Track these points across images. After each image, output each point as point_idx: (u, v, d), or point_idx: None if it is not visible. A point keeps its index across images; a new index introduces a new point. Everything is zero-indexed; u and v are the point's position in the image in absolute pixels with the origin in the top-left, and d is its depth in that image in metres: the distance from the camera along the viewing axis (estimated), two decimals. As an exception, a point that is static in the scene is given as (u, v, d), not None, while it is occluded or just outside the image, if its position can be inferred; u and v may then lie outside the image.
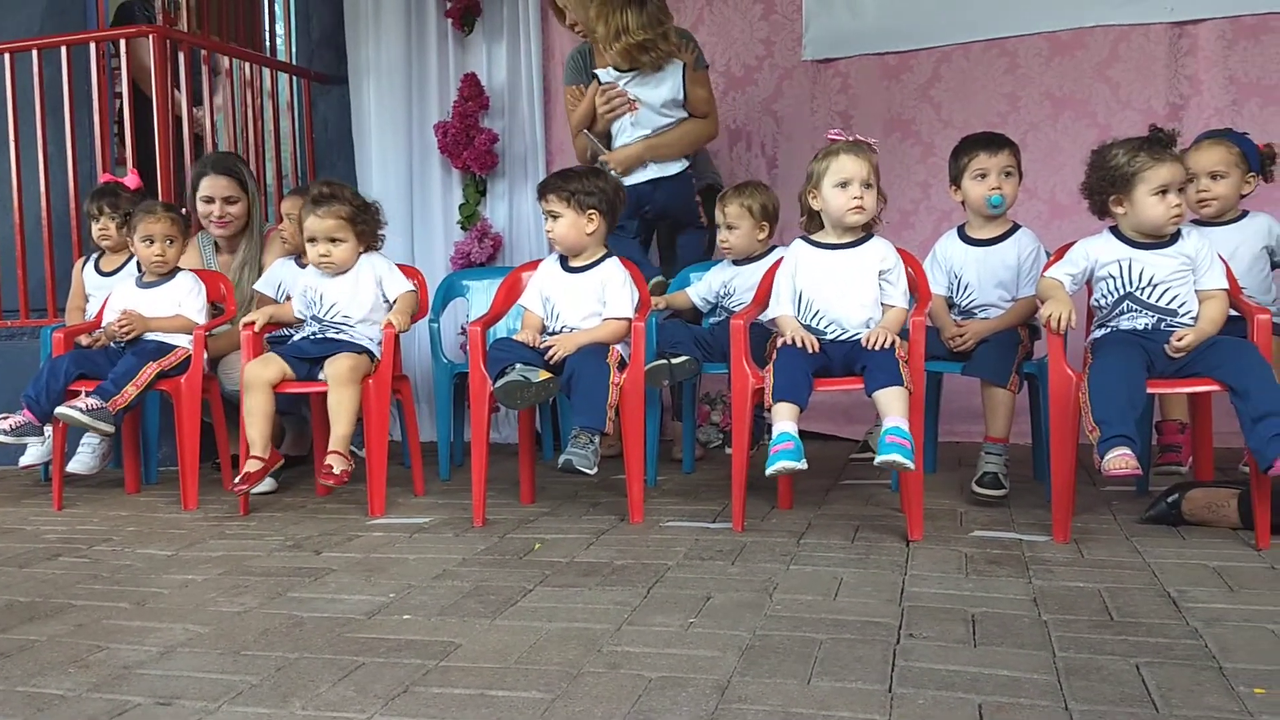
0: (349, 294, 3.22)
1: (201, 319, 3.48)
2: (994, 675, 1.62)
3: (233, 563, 2.53)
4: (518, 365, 2.78)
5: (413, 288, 3.31)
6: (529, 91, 4.59)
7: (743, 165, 4.47)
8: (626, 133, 3.80)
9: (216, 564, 2.52)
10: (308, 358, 3.16)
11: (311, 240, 3.20)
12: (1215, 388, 2.43)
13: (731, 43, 4.49)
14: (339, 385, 3.03)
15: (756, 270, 3.29)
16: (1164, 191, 2.53)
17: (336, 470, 2.96)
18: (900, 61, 4.30)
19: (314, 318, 3.25)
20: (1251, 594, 2.01)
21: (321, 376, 3.09)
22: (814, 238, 2.84)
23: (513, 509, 3.06)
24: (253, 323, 3.21)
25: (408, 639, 1.89)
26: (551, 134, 4.62)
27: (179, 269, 3.57)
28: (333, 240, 3.18)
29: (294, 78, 5.00)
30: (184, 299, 3.50)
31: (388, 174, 4.73)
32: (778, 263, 2.92)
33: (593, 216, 3.01)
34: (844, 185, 2.71)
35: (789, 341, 2.66)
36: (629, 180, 3.69)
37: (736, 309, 3.33)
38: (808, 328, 2.74)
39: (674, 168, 3.82)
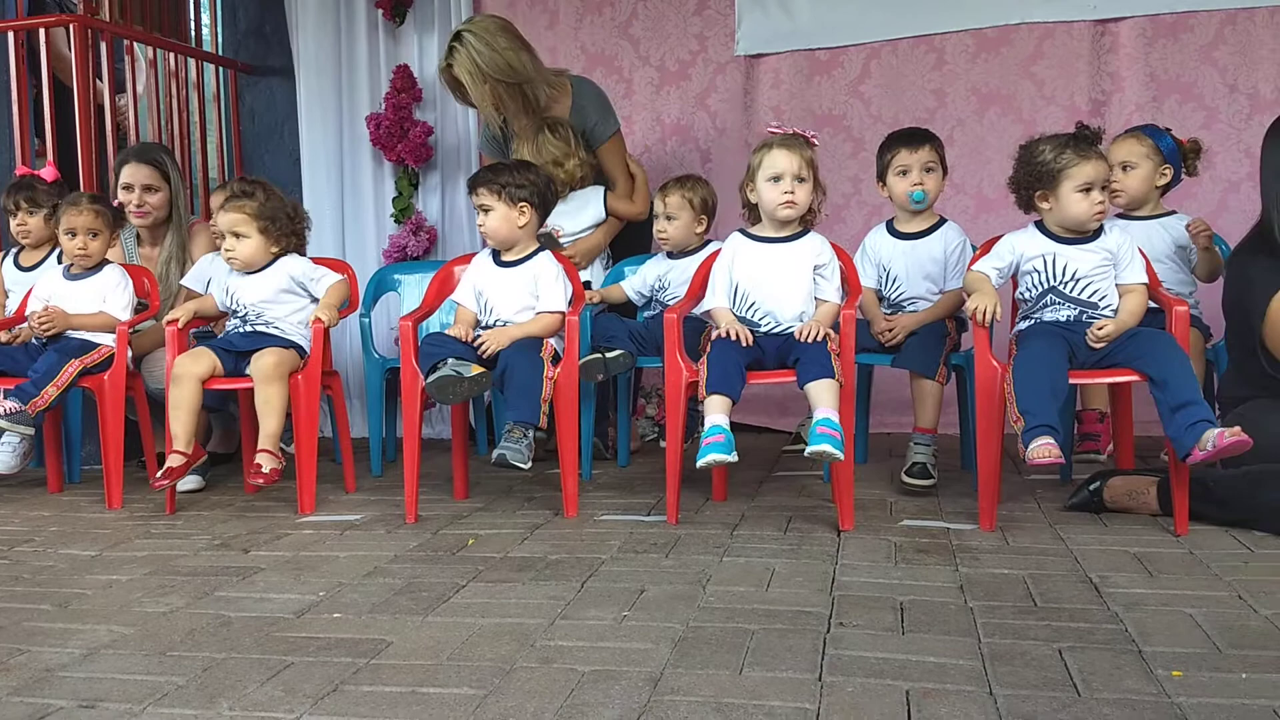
0: (259, 293, 3.17)
1: (126, 315, 3.40)
2: (921, 662, 1.64)
3: (158, 562, 2.47)
4: (450, 360, 2.75)
5: (341, 278, 3.26)
6: (461, 84, 4.54)
7: (677, 160, 4.48)
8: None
9: (142, 564, 2.47)
10: (235, 350, 3.11)
11: (221, 235, 3.18)
12: (1135, 378, 2.50)
13: (665, 38, 4.49)
14: (265, 382, 2.99)
15: (691, 264, 3.30)
16: (1088, 189, 2.59)
17: (266, 469, 2.91)
18: (831, 57, 4.34)
19: (235, 315, 3.20)
20: (1170, 579, 2.07)
21: (248, 372, 3.04)
22: (751, 231, 2.85)
23: (446, 505, 3.04)
24: (176, 319, 3.14)
25: (338, 637, 1.86)
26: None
27: (107, 262, 3.48)
28: (236, 236, 3.13)
29: (220, 68, 4.90)
30: (109, 294, 3.41)
31: (317, 166, 4.65)
32: (712, 256, 2.94)
33: (524, 209, 2.99)
34: (776, 180, 2.73)
35: (723, 334, 2.68)
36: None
37: (671, 302, 3.35)
38: (742, 319, 2.76)
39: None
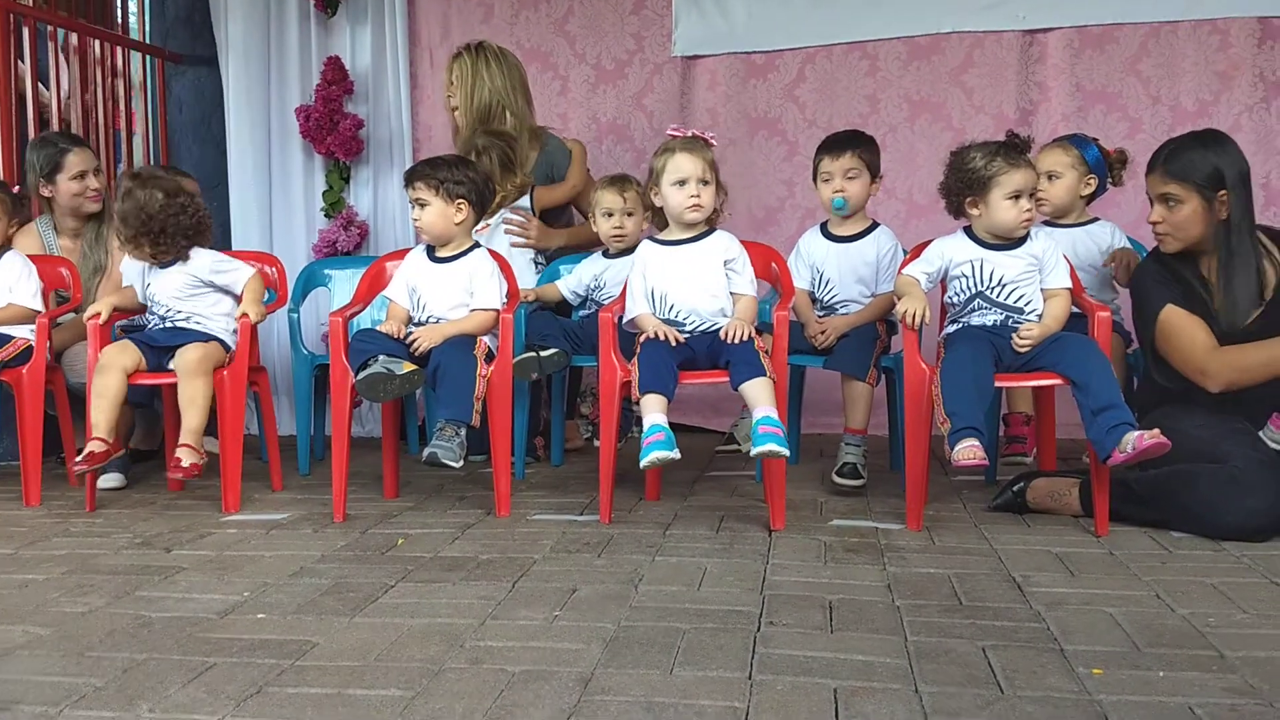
0: (176, 289, 3.10)
1: (36, 303, 3.29)
2: (849, 660, 1.66)
3: (77, 561, 2.40)
4: (381, 357, 2.72)
5: (253, 273, 3.17)
6: (395, 77, 4.49)
7: (612, 159, 4.47)
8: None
9: (60, 563, 2.40)
10: (157, 345, 3.03)
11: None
12: (1058, 381, 2.55)
13: (602, 36, 4.49)
14: (188, 377, 2.92)
15: (628, 263, 3.29)
16: (1017, 196, 2.64)
17: (186, 463, 2.85)
18: (767, 61, 4.37)
19: (153, 312, 3.13)
20: (1091, 578, 2.12)
21: (171, 367, 2.97)
22: (658, 236, 2.87)
23: (375, 504, 3.00)
24: (97, 314, 3.05)
25: (262, 638, 1.83)
26: (418, 121, 4.54)
27: (7, 249, 3.36)
28: None
29: (147, 57, 4.78)
30: (14, 284, 3.30)
31: (245, 158, 4.56)
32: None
33: (461, 206, 2.97)
34: (681, 184, 2.74)
35: (651, 336, 2.68)
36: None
37: (607, 302, 3.34)
38: (668, 321, 2.76)
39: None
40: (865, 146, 3.18)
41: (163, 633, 1.87)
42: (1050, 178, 3.24)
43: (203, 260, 3.12)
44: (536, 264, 3.78)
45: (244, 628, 1.89)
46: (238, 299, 3.15)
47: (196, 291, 3.10)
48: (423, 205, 2.96)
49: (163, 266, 3.10)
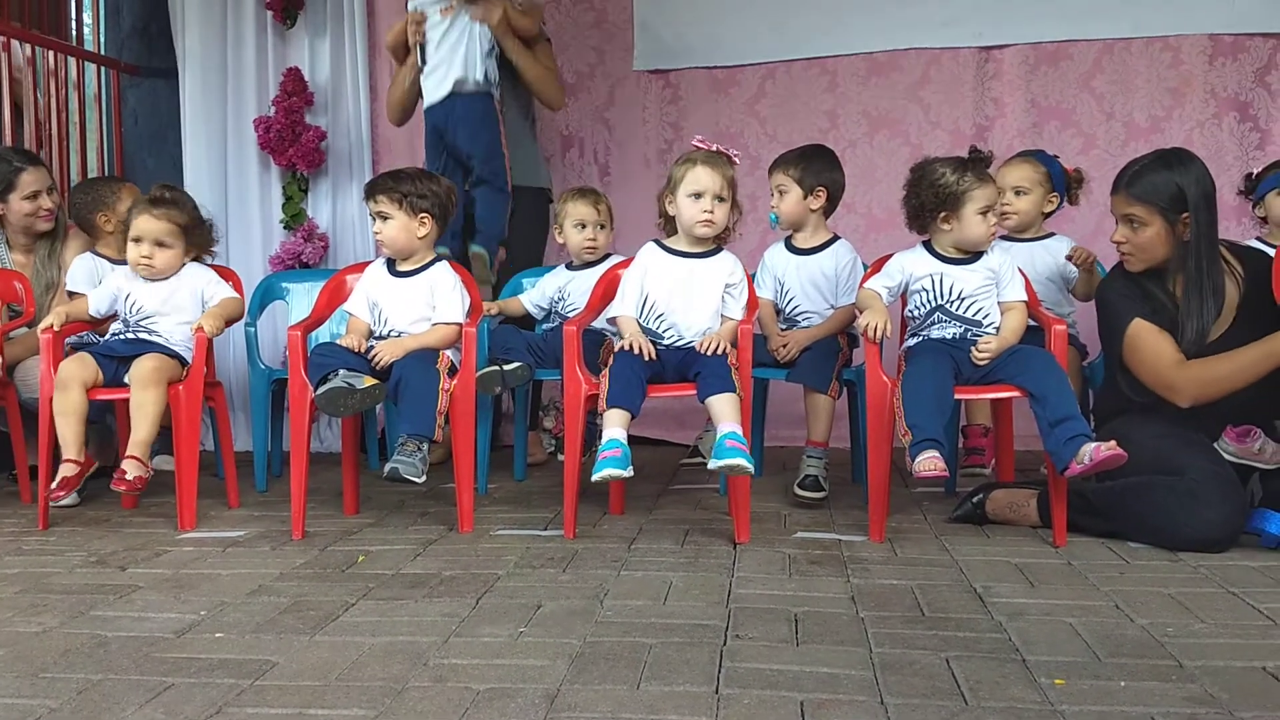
0: (162, 301, 3.06)
1: None
2: (815, 673, 1.67)
3: (31, 580, 2.35)
4: (341, 371, 2.68)
5: (236, 297, 3.19)
6: (354, 88, 4.46)
7: (575, 172, 4.48)
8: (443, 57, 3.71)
9: (12, 582, 2.34)
10: (116, 356, 2.99)
11: (137, 240, 3.04)
12: (1016, 394, 2.58)
13: (564, 49, 4.48)
14: (141, 386, 2.87)
15: (592, 275, 3.30)
16: (986, 211, 2.68)
17: (130, 475, 2.79)
18: (728, 76, 4.40)
19: (123, 321, 3.08)
20: (1050, 589, 2.14)
21: (126, 379, 2.91)
22: (667, 243, 2.86)
23: (335, 520, 2.96)
24: (50, 326, 3.00)
25: (220, 658, 1.80)
26: (378, 132, 4.51)
27: None
28: (160, 244, 3.04)
29: (102, 68, 4.71)
30: None
31: (200, 170, 4.50)
32: (614, 268, 2.94)
33: (425, 220, 2.95)
34: (697, 197, 2.74)
35: (625, 346, 2.67)
36: (428, 99, 3.72)
37: (571, 315, 3.34)
38: (645, 331, 2.76)
39: (475, 85, 3.67)
40: (795, 164, 3.21)
41: (119, 653, 1.83)
42: (1018, 192, 3.29)
43: (201, 277, 3.13)
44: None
45: (202, 647, 1.86)
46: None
47: (184, 302, 3.08)
48: (385, 218, 2.94)
49: (154, 279, 3.07)
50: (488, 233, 3.68)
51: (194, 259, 3.14)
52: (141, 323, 3.05)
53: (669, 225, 2.86)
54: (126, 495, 2.95)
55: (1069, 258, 3.26)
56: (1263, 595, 2.06)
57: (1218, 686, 1.58)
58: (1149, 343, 2.62)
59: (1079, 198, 3.42)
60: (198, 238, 3.12)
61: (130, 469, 2.80)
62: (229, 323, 3.15)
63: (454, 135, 3.69)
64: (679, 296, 2.78)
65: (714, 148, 2.79)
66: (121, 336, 3.06)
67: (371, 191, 2.98)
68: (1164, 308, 2.64)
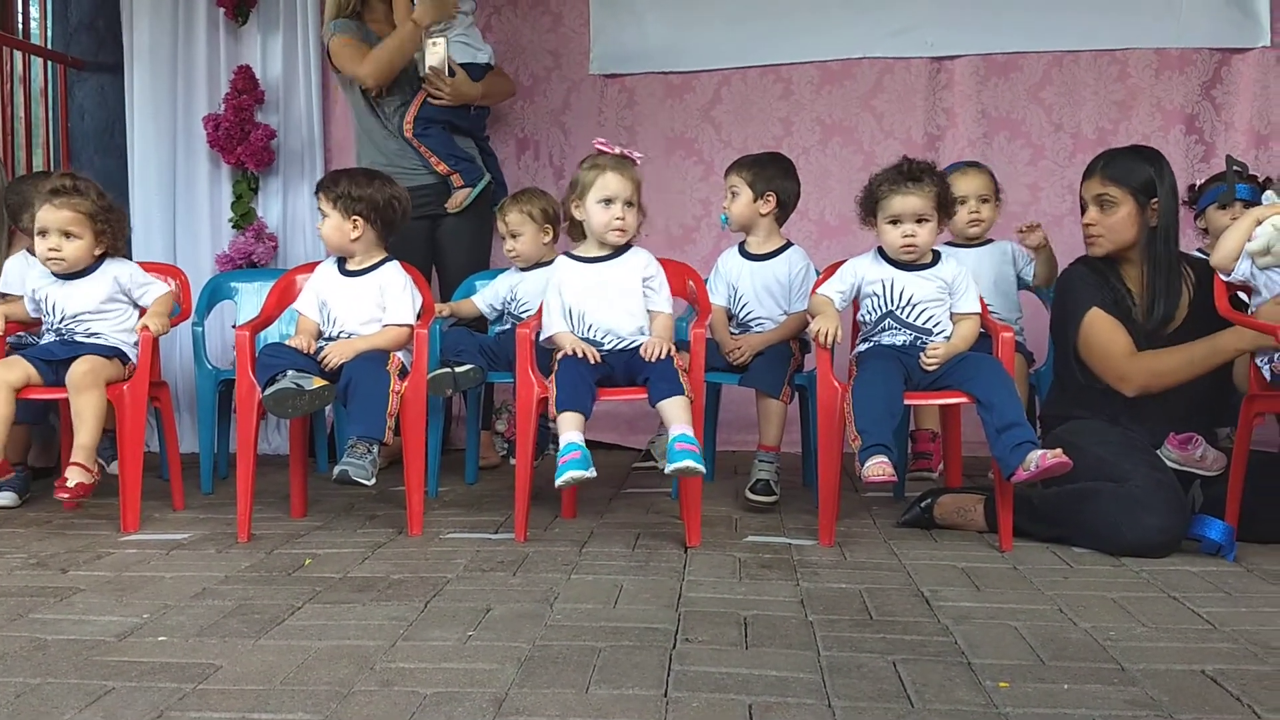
0: (83, 303, 2.97)
1: None
2: (764, 676, 1.67)
3: (-39, 585, 2.29)
4: (290, 372, 2.65)
5: (169, 289, 3.09)
6: (306, 86, 4.41)
7: (529, 174, 4.47)
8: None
9: (-58, 587, 2.28)
10: (55, 360, 2.91)
11: (43, 234, 2.93)
12: (964, 400, 2.61)
13: (520, 51, 4.48)
14: (79, 391, 2.80)
15: (543, 277, 3.27)
16: (896, 221, 2.70)
17: (72, 483, 2.73)
18: (683, 81, 4.41)
19: (52, 328, 3.00)
20: (996, 593, 2.17)
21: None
22: (576, 252, 2.85)
23: (282, 523, 2.92)
24: None
25: (163, 661, 1.76)
26: (330, 131, 4.46)
27: None
28: (66, 235, 2.92)
29: (49, 63, 4.62)
30: None
31: (149, 167, 4.43)
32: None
33: (357, 223, 2.92)
34: (607, 203, 2.73)
35: (569, 353, 2.67)
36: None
37: (524, 316, 3.34)
38: (586, 339, 2.75)
39: None
40: (749, 167, 3.24)
41: (58, 656, 1.79)
42: (984, 200, 3.36)
43: (123, 270, 3.02)
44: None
45: (144, 650, 1.82)
46: (142, 312, 3.05)
47: (110, 304, 2.99)
48: (323, 216, 2.93)
49: (67, 278, 2.98)
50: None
51: (106, 253, 3.02)
52: (74, 327, 2.97)
53: (575, 229, 2.84)
54: (69, 503, 2.87)
55: (1020, 233, 3.31)
56: (1202, 600, 2.10)
57: (1158, 689, 1.61)
58: (1103, 331, 2.69)
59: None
60: (107, 226, 2.98)
61: (72, 476, 2.74)
62: (173, 320, 3.10)
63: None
64: (601, 302, 2.76)
65: (618, 150, 2.78)
66: (59, 339, 2.98)
67: (317, 188, 2.99)
68: (1122, 299, 2.72)
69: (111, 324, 3.00)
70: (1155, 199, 2.70)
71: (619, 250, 2.81)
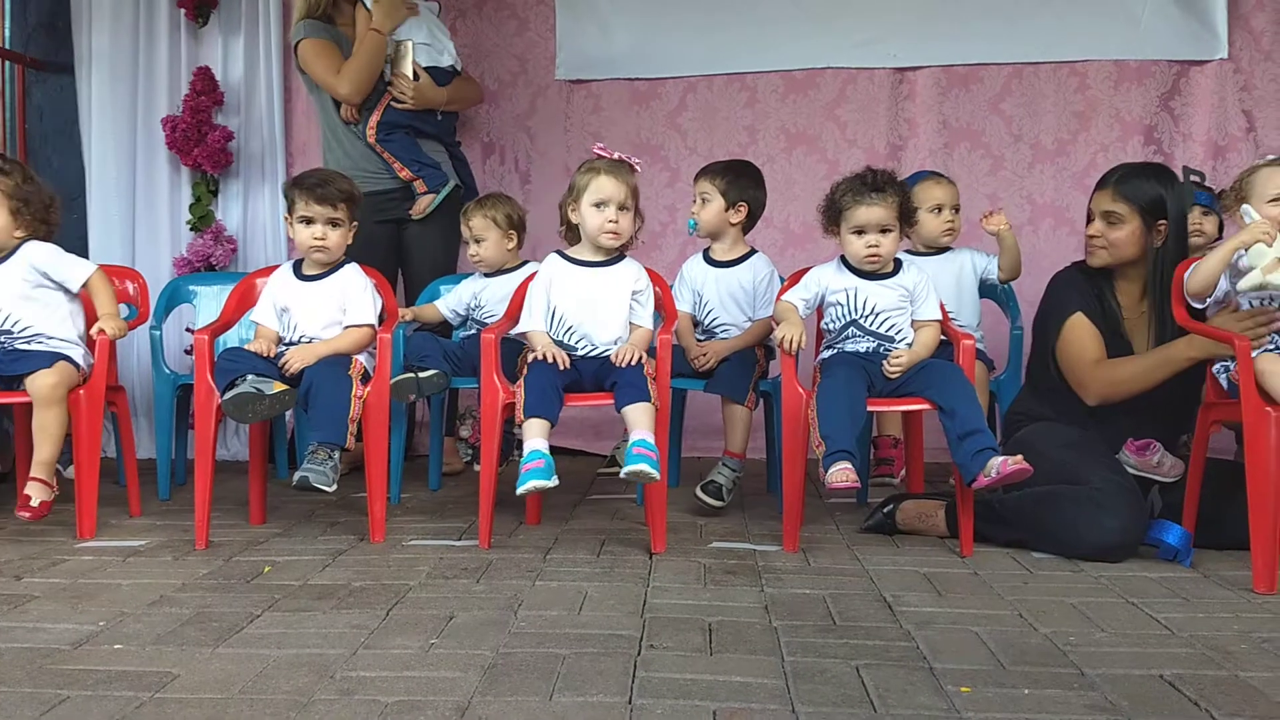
0: (5, 291, 2.86)
1: None
2: (728, 681, 1.67)
3: (-91, 594, 2.24)
4: (249, 376, 2.62)
5: (98, 271, 2.97)
6: (268, 89, 4.37)
7: (495, 179, 4.46)
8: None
9: (-111, 596, 2.23)
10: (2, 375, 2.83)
11: None
12: (926, 406, 2.63)
13: (485, 56, 4.47)
14: (43, 406, 2.74)
15: (507, 282, 3.28)
16: (860, 231, 2.72)
17: (35, 501, 2.68)
18: (649, 88, 4.42)
19: None
20: (957, 598, 2.18)
21: (25, 386, 2.78)
22: (569, 253, 2.85)
23: (241, 530, 2.89)
24: None
25: (119, 670, 1.73)
26: (291, 134, 4.42)
27: None
28: None
29: (6, 63, 4.55)
30: None
31: (107, 169, 4.37)
32: (531, 276, 2.92)
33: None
34: (600, 206, 2.73)
35: (539, 356, 2.66)
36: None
37: (488, 321, 3.32)
38: (558, 343, 2.75)
39: None
40: (722, 175, 3.25)
41: (12, 664, 1.75)
42: (956, 210, 3.39)
43: (39, 252, 2.91)
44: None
45: (100, 659, 1.79)
46: (74, 298, 2.96)
47: (34, 291, 2.89)
48: (335, 225, 2.93)
49: None
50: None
51: (29, 236, 2.92)
52: (11, 330, 2.86)
53: (571, 233, 2.85)
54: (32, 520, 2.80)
55: (984, 220, 3.34)
56: (1161, 605, 2.12)
57: (1117, 694, 1.62)
58: (1080, 338, 2.73)
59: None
60: (23, 206, 2.88)
61: (35, 494, 2.70)
62: (130, 323, 3.04)
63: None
64: (586, 307, 2.77)
65: (615, 155, 2.78)
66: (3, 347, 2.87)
67: (335, 198, 2.95)
68: (1110, 311, 2.74)
69: (46, 313, 2.89)
70: (1162, 220, 2.70)
71: (613, 258, 2.80)
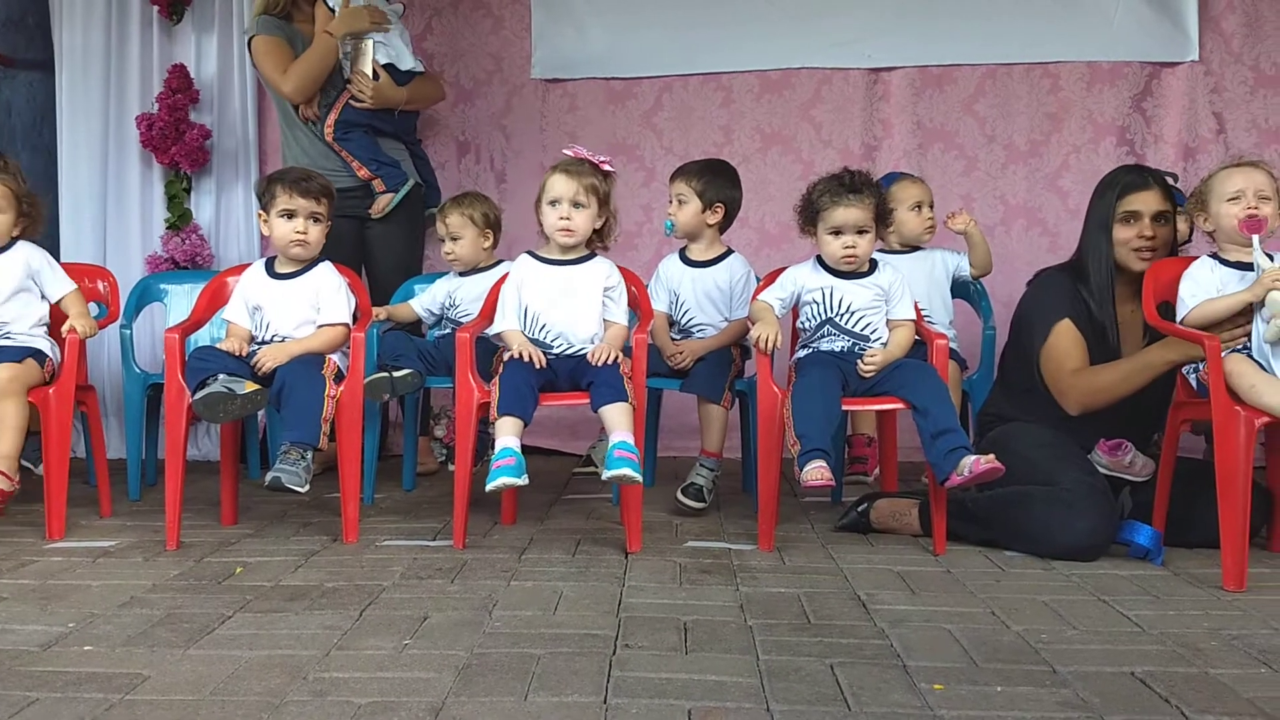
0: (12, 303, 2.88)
1: None
2: (703, 680, 1.67)
3: (-127, 596, 2.21)
4: (221, 376, 2.60)
5: (75, 287, 3.00)
6: (241, 86, 4.34)
7: (471, 178, 4.44)
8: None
9: None
10: None
11: None
12: (900, 406, 2.64)
13: (460, 55, 4.45)
14: (1, 397, 2.72)
15: (482, 281, 3.27)
16: (837, 232, 2.73)
17: None
18: (625, 88, 4.41)
19: None
20: (930, 596, 2.20)
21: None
22: (540, 253, 2.84)
23: (212, 531, 2.86)
24: None
25: (89, 671, 1.71)
26: (265, 132, 4.39)
27: None
28: None
29: (-25, 60, 4.51)
30: None
31: (79, 166, 4.33)
32: (505, 275, 2.92)
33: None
34: (554, 204, 2.72)
35: (515, 355, 2.65)
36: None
37: (463, 320, 3.31)
38: (534, 342, 2.74)
39: None
40: (698, 176, 3.25)
41: (-26, 670, 1.73)
42: (932, 206, 3.41)
43: (36, 256, 2.93)
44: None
45: (69, 660, 1.77)
46: (50, 305, 2.97)
47: (19, 292, 2.89)
48: (316, 220, 2.92)
49: None
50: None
51: (21, 235, 2.95)
52: None
53: (544, 233, 2.84)
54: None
55: (948, 220, 3.37)
56: (1132, 603, 2.14)
57: (1089, 691, 1.64)
58: (1064, 344, 2.71)
59: None
60: (31, 209, 2.93)
61: None
62: (101, 322, 3.02)
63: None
64: (558, 305, 2.76)
65: (585, 155, 2.77)
66: None
67: (315, 193, 2.94)
68: (1095, 320, 2.73)
69: (16, 311, 2.89)
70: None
71: (583, 256, 2.80)
